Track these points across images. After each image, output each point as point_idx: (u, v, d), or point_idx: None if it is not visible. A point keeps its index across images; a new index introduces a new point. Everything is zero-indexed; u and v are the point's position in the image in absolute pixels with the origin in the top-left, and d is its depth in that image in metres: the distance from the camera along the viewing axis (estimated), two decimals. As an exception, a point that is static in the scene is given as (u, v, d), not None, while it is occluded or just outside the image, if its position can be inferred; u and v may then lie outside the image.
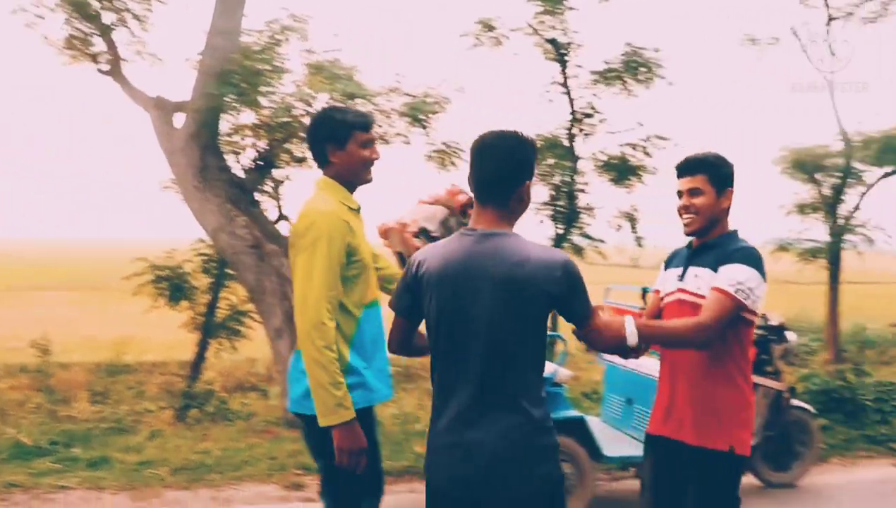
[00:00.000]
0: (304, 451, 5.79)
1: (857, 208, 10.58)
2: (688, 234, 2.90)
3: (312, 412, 2.58)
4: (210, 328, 8.00)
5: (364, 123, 2.82)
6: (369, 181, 2.91)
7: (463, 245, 2.27)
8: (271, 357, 7.36)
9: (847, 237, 10.40)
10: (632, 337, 2.44)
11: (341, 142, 2.77)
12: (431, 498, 2.28)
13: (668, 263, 3.04)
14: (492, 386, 2.18)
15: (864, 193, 10.60)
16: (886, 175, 10.41)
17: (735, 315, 2.63)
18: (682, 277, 2.86)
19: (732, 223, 2.88)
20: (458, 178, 8.73)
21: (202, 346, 8.05)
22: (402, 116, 7.46)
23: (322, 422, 2.54)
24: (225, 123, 7.18)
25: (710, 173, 2.82)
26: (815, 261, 10.54)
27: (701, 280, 2.77)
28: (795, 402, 5.45)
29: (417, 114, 7.40)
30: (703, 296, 2.72)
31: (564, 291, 2.19)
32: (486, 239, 2.24)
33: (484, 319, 2.19)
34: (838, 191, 10.54)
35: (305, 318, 2.55)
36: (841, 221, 10.42)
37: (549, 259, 2.20)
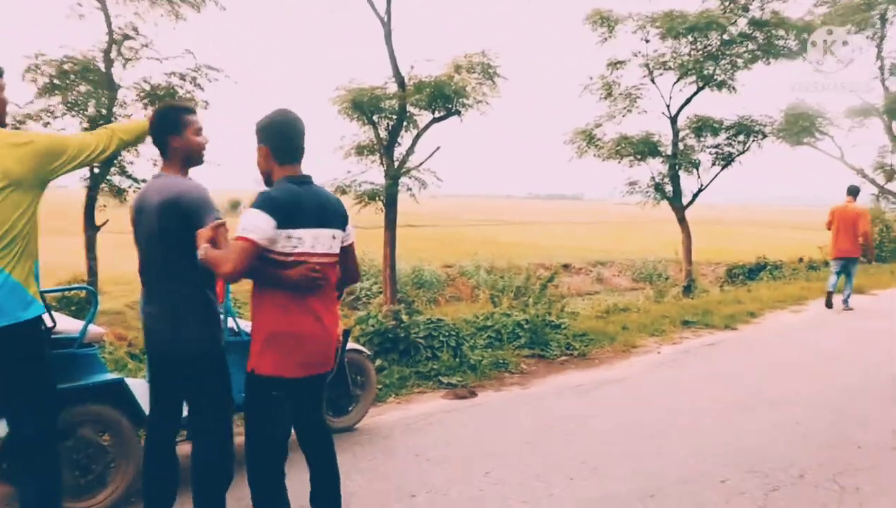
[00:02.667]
0: None
1: (411, 151, 11.67)
2: None
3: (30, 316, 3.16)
4: None
5: None
6: None
7: (150, 184, 3.66)
8: None
9: (402, 180, 11.43)
10: (200, 252, 3.27)
11: None
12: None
13: None
14: (158, 277, 3.58)
15: (416, 137, 11.73)
16: (436, 119, 11.64)
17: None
18: None
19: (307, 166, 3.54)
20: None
21: None
22: None
23: None
24: None
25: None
26: (374, 204, 11.41)
27: None
28: (352, 345, 5.82)
29: None
30: None
31: (187, 213, 3.42)
32: (157, 179, 3.62)
33: (152, 233, 3.52)
34: (394, 134, 11.49)
35: None
36: (396, 164, 11.40)
37: (177, 190, 3.48)
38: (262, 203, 3.26)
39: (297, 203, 3.33)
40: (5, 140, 3.15)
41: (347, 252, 3.63)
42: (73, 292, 7.21)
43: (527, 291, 12.42)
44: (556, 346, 8.93)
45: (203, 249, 3.25)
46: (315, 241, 3.38)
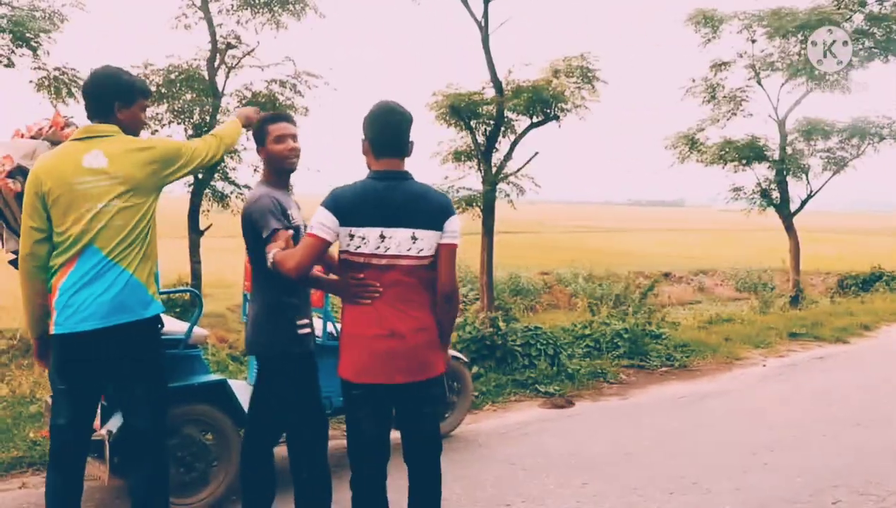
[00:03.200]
0: None
1: (508, 157, 11.69)
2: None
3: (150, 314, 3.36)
4: None
5: (146, 91, 3.60)
6: None
7: None
8: None
9: (500, 186, 11.47)
10: (269, 258, 3.34)
11: (129, 102, 3.44)
12: None
13: None
14: (251, 283, 3.86)
15: (514, 142, 11.74)
16: (534, 124, 11.62)
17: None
18: None
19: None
20: (73, 110, 7.98)
21: None
22: (2, 32, 6.61)
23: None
24: None
25: None
26: (471, 210, 11.48)
27: None
28: (449, 352, 5.87)
29: (23, 31, 6.58)
30: None
31: (253, 224, 3.58)
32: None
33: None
34: (491, 139, 11.53)
35: None
36: (494, 170, 11.44)
37: (249, 200, 3.70)
38: (327, 199, 3.22)
39: (362, 200, 3.20)
40: (127, 145, 3.34)
41: (441, 253, 3.28)
42: (178, 294, 7.52)
43: (626, 300, 12.26)
44: (656, 357, 8.79)
45: (271, 255, 3.33)
46: (383, 241, 3.18)
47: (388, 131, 3.29)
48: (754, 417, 6.63)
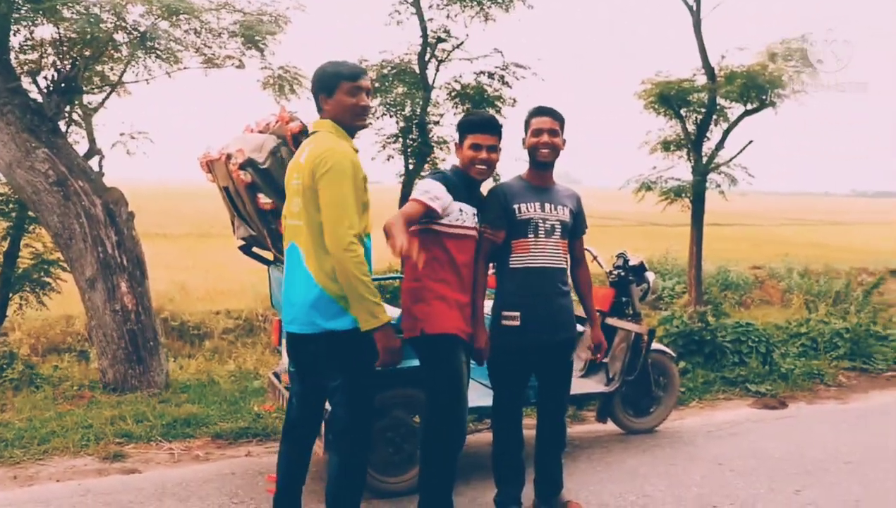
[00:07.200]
0: (126, 416, 5.57)
1: (720, 146, 11.17)
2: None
3: (335, 327, 3.24)
4: (10, 280, 7.50)
5: (351, 74, 3.42)
6: (362, 126, 3.58)
7: None
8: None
9: (710, 176, 10.98)
10: None
11: (330, 91, 3.37)
12: None
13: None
14: None
15: (727, 131, 11.19)
16: (748, 112, 11.02)
17: None
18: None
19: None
20: (296, 106, 8.49)
21: (1, 302, 7.55)
22: (234, 36, 7.16)
23: (366, 327, 3.22)
24: (17, 36, 6.65)
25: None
26: (680, 201, 11.06)
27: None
28: (655, 345, 5.72)
29: (252, 34, 7.10)
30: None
31: None
32: None
33: None
34: (702, 127, 11.07)
35: (338, 241, 3.13)
36: (704, 159, 10.97)
37: None
38: None
39: None
40: (317, 149, 3.29)
41: None
42: (388, 281, 7.87)
43: (847, 297, 11.39)
44: (881, 360, 8.12)
45: None
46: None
47: None
48: None
